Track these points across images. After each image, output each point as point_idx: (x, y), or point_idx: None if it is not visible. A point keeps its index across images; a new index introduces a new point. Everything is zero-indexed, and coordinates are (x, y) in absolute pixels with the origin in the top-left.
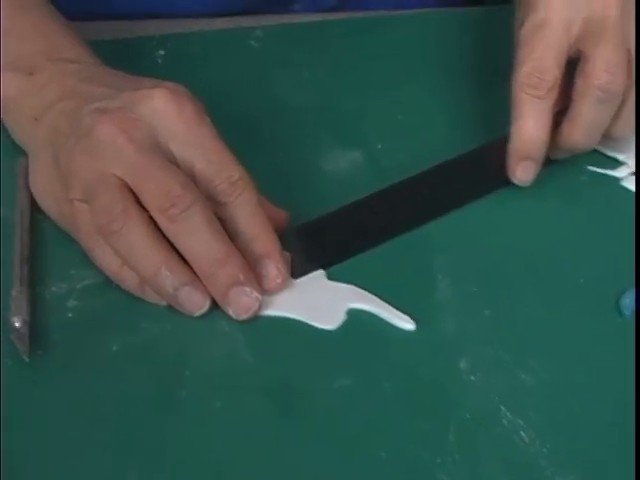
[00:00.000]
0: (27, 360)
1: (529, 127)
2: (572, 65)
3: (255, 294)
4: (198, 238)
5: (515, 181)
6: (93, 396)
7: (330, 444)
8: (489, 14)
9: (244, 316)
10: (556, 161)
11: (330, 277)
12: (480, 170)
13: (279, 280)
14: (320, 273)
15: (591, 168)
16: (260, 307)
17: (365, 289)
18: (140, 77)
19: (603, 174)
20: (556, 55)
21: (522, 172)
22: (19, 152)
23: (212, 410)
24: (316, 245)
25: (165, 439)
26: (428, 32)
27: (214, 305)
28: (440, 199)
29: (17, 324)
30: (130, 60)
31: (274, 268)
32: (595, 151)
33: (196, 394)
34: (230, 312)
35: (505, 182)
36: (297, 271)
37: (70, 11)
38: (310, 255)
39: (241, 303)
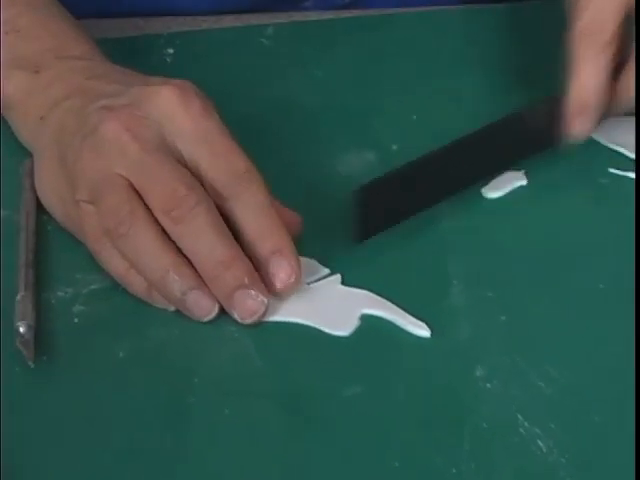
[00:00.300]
0: (32, 366)
1: (587, 80)
2: (630, 21)
3: (261, 297)
4: (202, 240)
5: (572, 135)
6: (99, 403)
7: (342, 453)
8: (509, 12)
9: (249, 320)
10: (578, 161)
11: (343, 282)
12: (512, 138)
13: (292, 279)
14: (334, 278)
15: (612, 170)
16: (266, 311)
17: (379, 294)
18: (148, 75)
19: (624, 176)
20: (613, 8)
21: (579, 125)
22: (24, 153)
23: (221, 417)
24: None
25: (173, 446)
26: (444, 30)
27: (223, 311)
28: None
29: (22, 329)
30: (138, 58)
31: (287, 265)
32: (616, 153)
33: (205, 401)
34: (235, 316)
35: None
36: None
37: (78, 9)
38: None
39: (246, 306)
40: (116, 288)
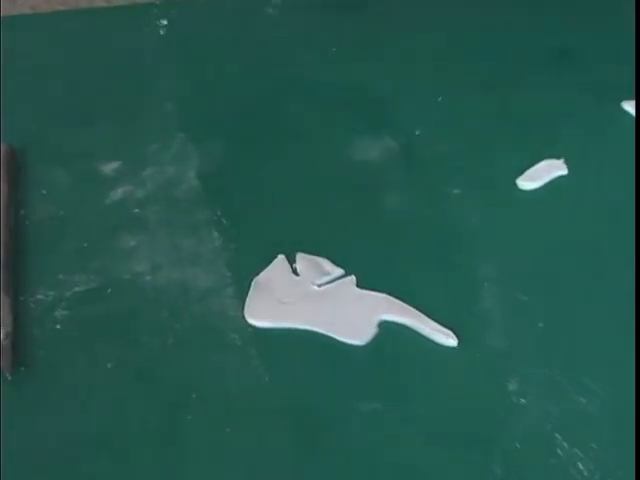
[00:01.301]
0: (9, 378)
1: None
2: None
3: None
4: None
5: None
6: (85, 421)
7: (359, 475)
8: None
9: None
10: (624, 146)
11: (359, 284)
12: None
13: None
14: (349, 279)
15: None
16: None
17: (399, 298)
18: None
19: None
20: None
21: None
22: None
23: (223, 436)
24: None
25: (169, 469)
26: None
27: (223, 318)
28: None
29: None
30: (128, 30)
31: None
32: None
33: (204, 419)
34: None
35: None
36: None
37: None
38: None
39: None
40: (104, 290)
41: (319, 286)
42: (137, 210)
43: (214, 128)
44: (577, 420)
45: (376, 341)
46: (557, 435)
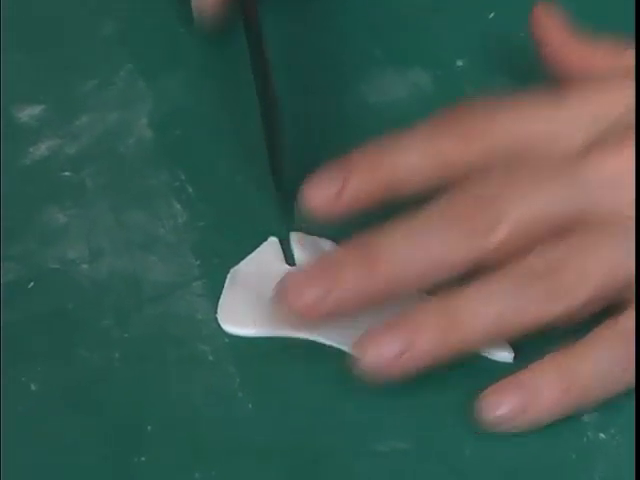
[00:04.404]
0: None
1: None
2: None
3: None
4: None
5: None
6: (3, 466)
7: None
8: None
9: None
10: None
11: None
12: None
13: None
14: None
15: None
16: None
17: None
18: None
19: None
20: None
21: None
22: None
23: None
24: None
25: None
26: None
27: (189, 324)
28: None
29: None
30: None
31: None
32: None
33: (162, 461)
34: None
35: None
36: None
37: None
38: None
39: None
40: (24, 284)
41: None
42: (68, 173)
43: (174, 57)
44: None
45: None
46: None
